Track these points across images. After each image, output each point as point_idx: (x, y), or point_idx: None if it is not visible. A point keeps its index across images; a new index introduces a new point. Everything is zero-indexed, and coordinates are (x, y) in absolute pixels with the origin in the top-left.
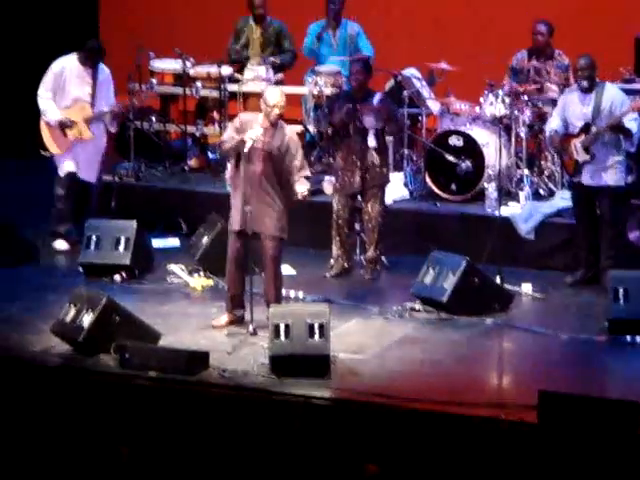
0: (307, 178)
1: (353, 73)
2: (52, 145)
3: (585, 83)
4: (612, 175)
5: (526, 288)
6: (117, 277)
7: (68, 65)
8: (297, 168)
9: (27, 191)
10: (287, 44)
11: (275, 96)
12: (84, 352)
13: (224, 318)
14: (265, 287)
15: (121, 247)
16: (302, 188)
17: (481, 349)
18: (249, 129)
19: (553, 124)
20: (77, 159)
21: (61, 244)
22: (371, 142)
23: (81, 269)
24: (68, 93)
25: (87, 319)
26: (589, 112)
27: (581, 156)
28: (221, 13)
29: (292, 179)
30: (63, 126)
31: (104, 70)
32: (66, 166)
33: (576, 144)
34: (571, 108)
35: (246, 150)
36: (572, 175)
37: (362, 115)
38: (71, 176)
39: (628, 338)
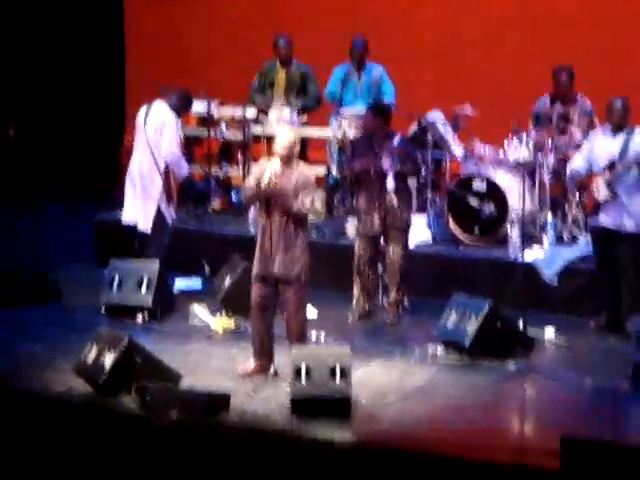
0: (301, 213)
1: (364, 120)
2: (174, 198)
3: (617, 124)
4: (632, 220)
5: (549, 333)
6: (139, 318)
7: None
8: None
9: (46, 232)
10: (312, 88)
11: (280, 136)
12: (105, 393)
13: (250, 365)
14: (287, 331)
15: (143, 288)
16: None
17: (503, 394)
18: (265, 172)
19: (576, 164)
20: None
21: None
22: (389, 184)
23: (103, 309)
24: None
25: (108, 360)
26: (616, 151)
27: (602, 194)
28: (247, 56)
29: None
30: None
31: None
32: (173, 214)
33: (598, 183)
34: (598, 147)
35: (263, 189)
36: (591, 216)
37: (381, 158)
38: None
39: None
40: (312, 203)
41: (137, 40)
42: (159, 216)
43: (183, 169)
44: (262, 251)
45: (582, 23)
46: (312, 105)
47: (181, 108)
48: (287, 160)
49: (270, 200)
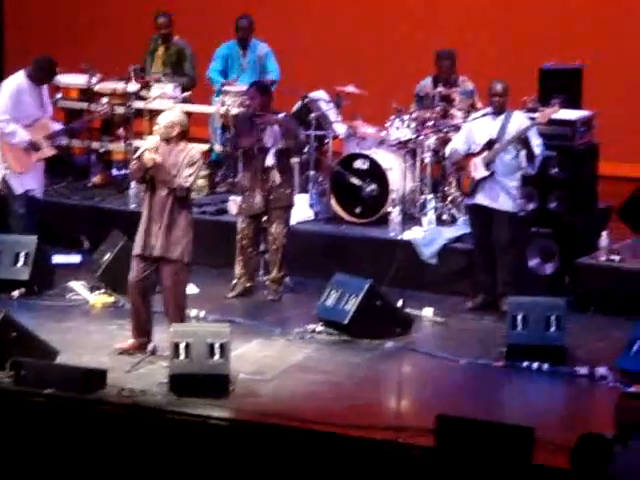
0: (183, 189)
1: (249, 98)
2: (15, 164)
3: (497, 106)
4: (508, 199)
5: (427, 312)
6: (15, 292)
7: (21, 84)
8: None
9: None
10: (187, 67)
11: (162, 115)
12: None
13: (128, 342)
14: (166, 309)
15: (20, 262)
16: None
17: (381, 372)
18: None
19: (455, 144)
20: (36, 176)
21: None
22: (269, 161)
23: None
24: (26, 112)
25: None
26: (495, 131)
27: (480, 172)
28: (131, 28)
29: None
30: (33, 147)
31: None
32: (26, 184)
33: (476, 161)
34: (477, 128)
35: (144, 160)
36: (468, 195)
37: (262, 134)
38: (30, 193)
39: (525, 364)
40: (194, 180)
41: (18, 7)
42: (5, 185)
43: (9, 136)
44: (144, 229)
45: (468, 4)
46: (186, 84)
47: (38, 76)
48: (170, 138)
49: (153, 177)
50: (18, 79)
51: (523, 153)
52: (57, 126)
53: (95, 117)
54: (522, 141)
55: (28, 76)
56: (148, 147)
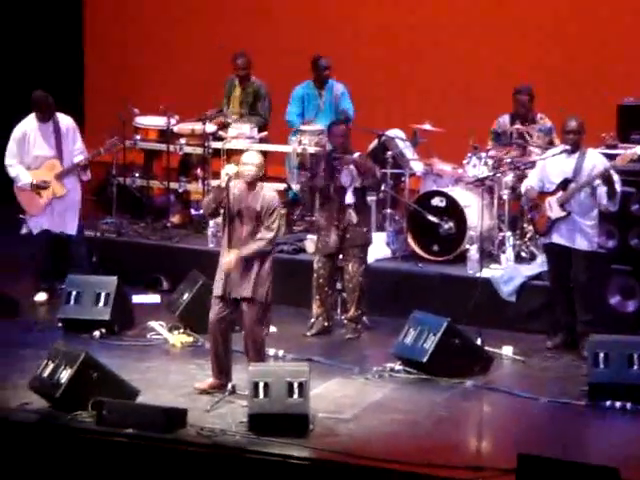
0: (262, 240)
1: (337, 135)
2: (29, 207)
3: (572, 144)
4: (584, 238)
5: (507, 350)
6: (96, 333)
7: (28, 127)
8: (262, 227)
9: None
10: (260, 106)
11: (250, 155)
12: (61, 408)
13: (208, 381)
14: (246, 348)
15: (101, 303)
16: (230, 257)
17: (460, 411)
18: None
19: (530, 181)
20: (53, 215)
21: (41, 296)
22: (348, 199)
23: (60, 324)
24: (34, 154)
25: (65, 375)
26: (570, 171)
27: (555, 212)
28: (208, 71)
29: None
30: (38, 189)
31: (64, 120)
32: (39, 224)
33: (551, 201)
34: (551, 167)
35: (223, 185)
36: (543, 235)
37: (340, 173)
38: (46, 234)
39: (608, 403)
40: (277, 227)
41: (97, 50)
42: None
43: (15, 180)
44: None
45: (543, 42)
46: (258, 124)
47: (35, 113)
48: (255, 177)
49: (233, 218)
50: (25, 122)
51: (599, 191)
52: (68, 165)
53: (102, 152)
54: (604, 178)
55: (35, 116)
56: (228, 172)
